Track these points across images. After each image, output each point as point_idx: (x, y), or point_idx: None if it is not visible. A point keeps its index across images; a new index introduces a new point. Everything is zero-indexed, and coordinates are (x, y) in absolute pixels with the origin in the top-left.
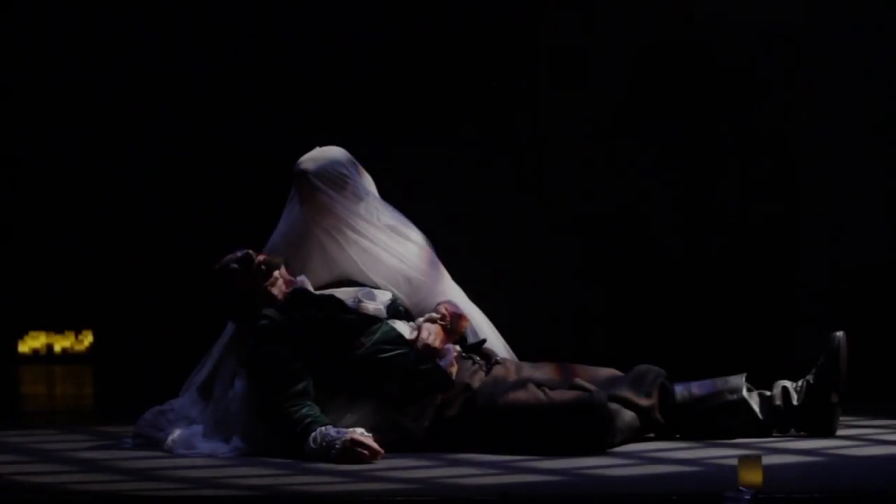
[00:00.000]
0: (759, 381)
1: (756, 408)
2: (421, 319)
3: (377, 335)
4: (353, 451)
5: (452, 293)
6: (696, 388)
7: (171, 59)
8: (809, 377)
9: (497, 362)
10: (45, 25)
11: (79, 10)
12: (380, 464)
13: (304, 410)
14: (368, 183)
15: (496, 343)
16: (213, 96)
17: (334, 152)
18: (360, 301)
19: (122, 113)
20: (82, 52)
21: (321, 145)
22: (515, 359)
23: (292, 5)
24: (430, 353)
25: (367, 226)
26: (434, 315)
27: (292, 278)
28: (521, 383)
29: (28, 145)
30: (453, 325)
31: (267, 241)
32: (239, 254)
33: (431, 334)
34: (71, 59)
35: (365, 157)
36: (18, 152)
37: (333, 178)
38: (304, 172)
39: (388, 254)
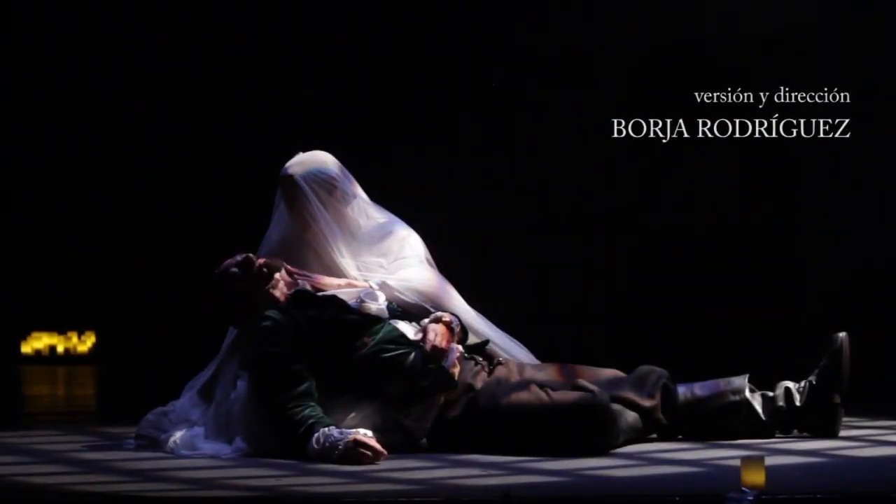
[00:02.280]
0: (763, 382)
1: (759, 408)
2: (426, 320)
3: (380, 335)
4: (355, 451)
5: (451, 295)
6: (699, 388)
7: (171, 61)
8: (812, 378)
9: (499, 363)
10: (45, 26)
11: (80, 10)
12: (382, 465)
13: (306, 411)
14: (356, 186)
15: (498, 342)
16: (214, 98)
17: (320, 156)
18: (362, 301)
19: (123, 115)
20: (84, 53)
21: (321, 149)
22: (533, 358)
23: (291, 6)
24: (439, 354)
25: (357, 229)
26: (439, 314)
27: (293, 280)
28: (524, 384)
29: (31, 147)
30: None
31: (259, 247)
32: (239, 258)
33: (438, 335)
34: (73, 62)
35: (366, 157)
36: (21, 154)
37: (321, 181)
38: (292, 177)
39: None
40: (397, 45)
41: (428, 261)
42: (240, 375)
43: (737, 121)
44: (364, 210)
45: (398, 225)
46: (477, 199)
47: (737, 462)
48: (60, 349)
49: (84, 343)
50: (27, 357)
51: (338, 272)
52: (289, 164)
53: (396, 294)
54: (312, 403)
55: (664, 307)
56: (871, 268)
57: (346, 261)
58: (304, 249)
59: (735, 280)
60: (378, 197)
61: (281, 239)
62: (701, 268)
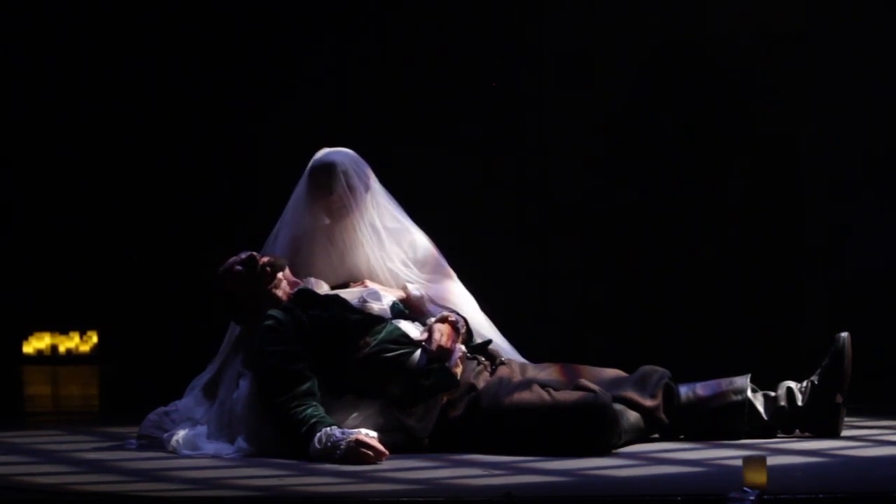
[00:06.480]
0: (765, 382)
1: (760, 408)
2: (432, 320)
3: (382, 335)
4: (357, 451)
5: (457, 294)
6: (701, 388)
7: (174, 63)
8: (814, 378)
9: (502, 363)
10: (53, 27)
11: (86, 11)
12: (384, 464)
13: (308, 411)
14: (378, 184)
15: (500, 344)
16: (213, 97)
17: (351, 152)
18: (364, 301)
19: (123, 115)
20: (90, 54)
21: (327, 146)
22: (523, 360)
23: (291, 5)
24: (445, 355)
25: (379, 225)
26: (444, 314)
27: (296, 279)
28: (526, 384)
29: (33, 147)
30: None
31: (267, 241)
32: (243, 256)
33: (443, 335)
34: (75, 63)
35: (366, 157)
36: (23, 154)
37: (359, 174)
38: (334, 164)
39: (398, 254)
40: (397, 44)
41: (447, 271)
42: (242, 374)
43: (737, 121)
44: (385, 208)
45: (418, 233)
46: (477, 199)
47: (738, 462)
48: (62, 349)
49: (86, 343)
50: (29, 357)
51: (356, 267)
52: (323, 154)
53: (428, 305)
54: (315, 403)
55: (666, 307)
56: (873, 268)
57: (383, 253)
58: (317, 242)
59: (737, 280)
60: None
61: (293, 237)
62: (703, 267)
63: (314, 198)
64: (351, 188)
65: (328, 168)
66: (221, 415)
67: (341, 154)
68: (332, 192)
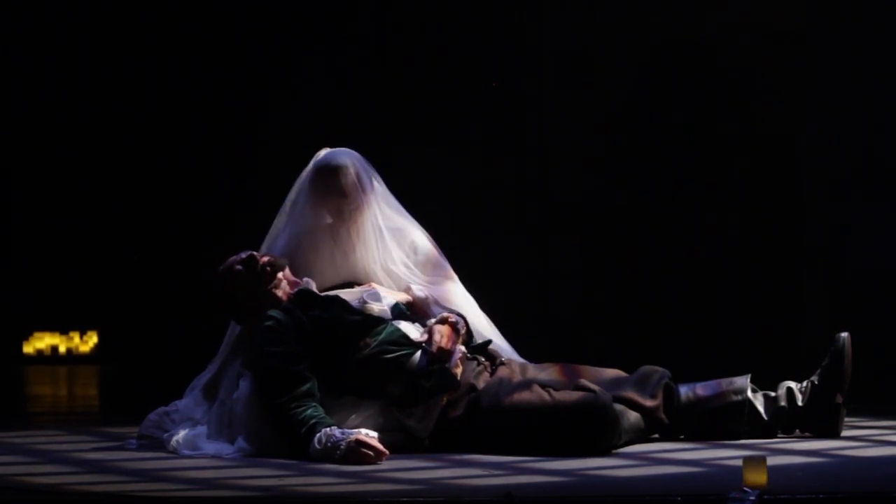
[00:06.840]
0: (765, 382)
1: (761, 409)
2: (432, 321)
3: (382, 336)
4: (357, 451)
5: (458, 295)
6: (701, 388)
7: (175, 63)
8: (814, 378)
9: (502, 363)
10: (53, 27)
11: (86, 11)
12: (385, 465)
13: (308, 411)
14: (382, 184)
15: (501, 345)
16: (216, 98)
17: (354, 152)
18: (364, 302)
19: (126, 115)
20: (90, 54)
21: (327, 146)
22: (522, 360)
23: (292, 5)
24: (445, 356)
25: (382, 225)
26: (444, 315)
27: (296, 279)
28: (526, 384)
29: (33, 147)
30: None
31: (265, 241)
32: (243, 255)
33: (443, 336)
34: (75, 63)
35: (366, 157)
36: (23, 154)
37: (367, 174)
38: (345, 166)
39: (400, 255)
40: (397, 44)
41: (448, 272)
42: (242, 375)
43: (737, 121)
44: (388, 208)
45: (419, 233)
46: (477, 199)
47: (739, 462)
48: (63, 349)
49: (86, 343)
50: (29, 357)
51: (359, 267)
52: (329, 155)
53: (432, 307)
54: (314, 404)
55: (666, 307)
56: (873, 268)
57: (385, 254)
58: (319, 242)
59: (737, 280)
60: None
61: (294, 236)
62: (703, 267)
63: (322, 198)
64: (362, 188)
65: (339, 170)
66: (221, 415)
67: (348, 155)
68: (343, 194)
